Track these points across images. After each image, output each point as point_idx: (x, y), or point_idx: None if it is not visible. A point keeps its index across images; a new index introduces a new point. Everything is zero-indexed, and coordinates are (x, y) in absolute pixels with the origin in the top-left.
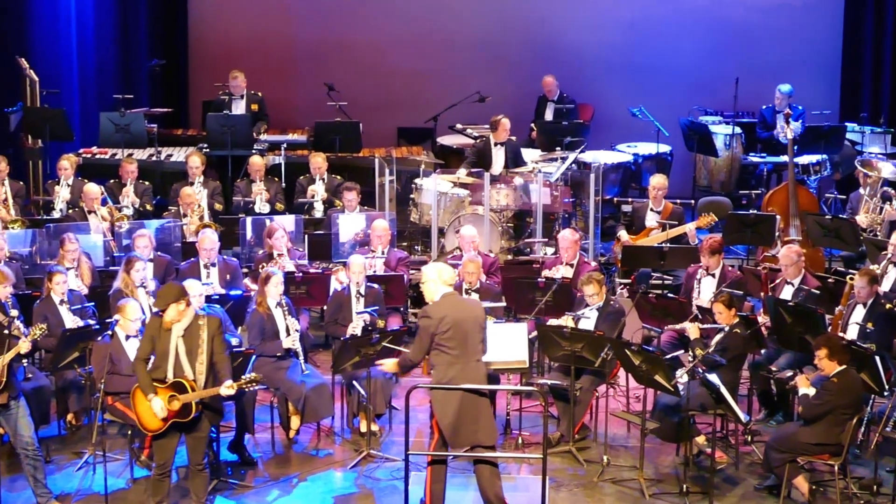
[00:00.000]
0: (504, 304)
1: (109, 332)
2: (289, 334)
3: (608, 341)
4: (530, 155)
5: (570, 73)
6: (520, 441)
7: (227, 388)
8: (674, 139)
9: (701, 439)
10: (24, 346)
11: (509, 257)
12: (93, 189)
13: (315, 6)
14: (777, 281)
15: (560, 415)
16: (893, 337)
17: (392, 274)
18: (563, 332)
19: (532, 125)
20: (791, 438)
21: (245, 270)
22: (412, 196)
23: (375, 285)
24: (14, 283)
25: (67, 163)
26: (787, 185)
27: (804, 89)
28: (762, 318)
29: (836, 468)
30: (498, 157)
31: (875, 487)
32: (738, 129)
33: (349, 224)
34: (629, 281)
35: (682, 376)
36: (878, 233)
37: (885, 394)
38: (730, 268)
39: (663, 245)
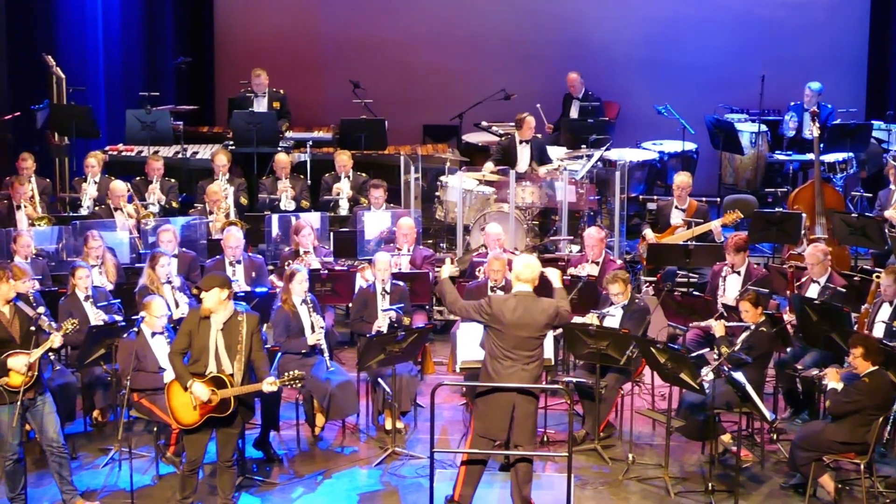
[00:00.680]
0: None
1: (135, 329)
2: (314, 331)
3: (633, 339)
4: (556, 153)
5: (595, 71)
6: (545, 439)
7: (270, 385)
8: (699, 137)
9: (726, 438)
10: (55, 339)
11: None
12: (119, 186)
13: (341, 3)
14: (803, 279)
15: (585, 413)
16: None
17: (417, 271)
18: (589, 329)
19: (551, 124)
20: (817, 437)
21: (270, 267)
22: (437, 193)
23: (401, 283)
24: (35, 278)
25: (95, 160)
26: (813, 182)
27: (830, 87)
28: (788, 317)
29: (862, 467)
30: (523, 154)
31: None
32: (763, 127)
33: (375, 221)
34: (654, 279)
35: (707, 374)
36: None
37: None
38: (755, 265)
39: (689, 243)
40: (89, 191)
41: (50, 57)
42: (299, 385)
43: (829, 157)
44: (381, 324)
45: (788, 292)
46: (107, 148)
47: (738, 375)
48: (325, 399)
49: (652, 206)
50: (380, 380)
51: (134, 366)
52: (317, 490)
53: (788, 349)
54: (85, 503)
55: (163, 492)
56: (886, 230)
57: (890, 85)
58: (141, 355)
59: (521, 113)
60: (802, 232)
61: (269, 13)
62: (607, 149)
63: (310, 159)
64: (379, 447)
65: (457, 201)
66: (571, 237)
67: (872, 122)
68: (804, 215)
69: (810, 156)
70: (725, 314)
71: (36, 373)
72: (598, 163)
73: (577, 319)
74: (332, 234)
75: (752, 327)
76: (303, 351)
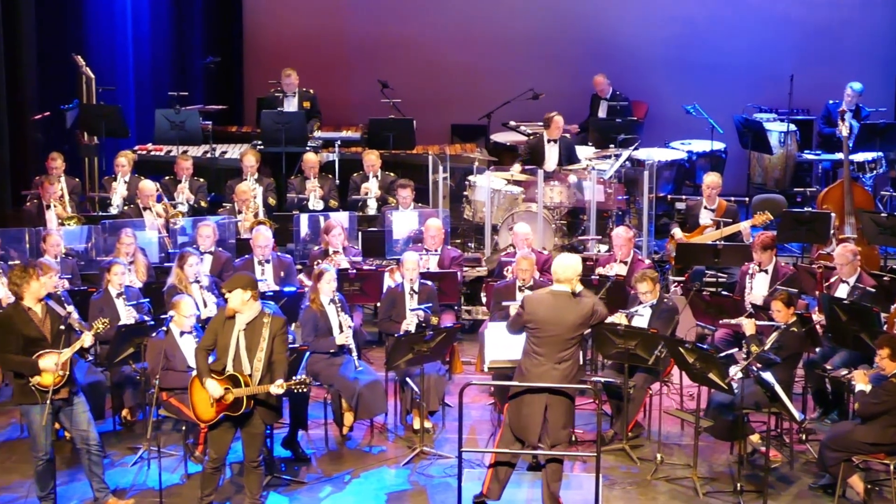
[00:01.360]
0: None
1: (164, 329)
2: (342, 331)
3: (662, 339)
4: (584, 152)
5: (624, 71)
6: (573, 439)
7: (277, 388)
8: (728, 136)
9: (755, 438)
10: (87, 338)
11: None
12: (148, 186)
13: (369, 3)
14: (832, 279)
15: (613, 413)
16: None
17: (446, 271)
18: (617, 329)
19: (577, 126)
20: (846, 437)
21: (299, 267)
22: (466, 193)
23: (429, 282)
24: (64, 277)
25: (125, 159)
26: (843, 182)
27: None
28: (817, 317)
29: (891, 467)
30: (551, 154)
31: None
32: (792, 127)
33: (403, 221)
34: (683, 278)
35: (736, 374)
36: None
37: None
38: (783, 264)
39: (717, 242)
40: (119, 190)
41: (79, 57)
42: (305, 389)
43: (859, 157)
44: (410, 323)
45: (817, 292)
46: (136, 147)
47: (767, 375)
48: (354, 398)
49: (681, 205)
50: (408, 379)
51: (163, 365)
52: (345, 489)
53: (818, 349)
54: (118, 502)
55: (192, 490)
56: None
57: None
58: (170, 354)
59: (550, 112)
60: (832, 232)
61: (297, 13)
62: (636, 148)
63: (338, 159)
64: (407, 447)
65: (485, 201)
66: (600, 237)
67: None
68: (833, 215)
69: (839, 155)
70: (754, 313)
71: (67, 372)
72: (627, 162)
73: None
74: (360, 233)
75: (782, 327)
76: (331, 350)
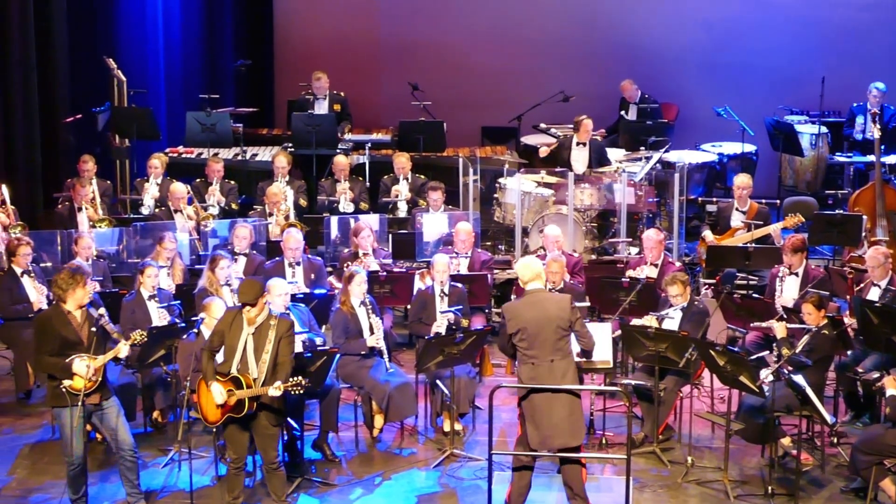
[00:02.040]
0: (588, 303)
1: (196, 331)
2: (372, 333)
3: (692, 342)
4: (615, 154)
5: (654, 73)
6: (604, 441)
7: (275, 389)
8: (759, 139)
9: (786, 441)
10: (123, 349)
11: (593, 257)
12: (179, 188)
13: (399, 6)
14: (864, 282)
15: (644, 415)
16: None
17: (476, 273)
18: (648, 332)
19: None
20: (878, 440)
21: (329, 269)
22: (496, 195)
23: (459, 284)
24: (95, 279)
25: (158, 161)
26: (874, 184)
27: (890, 88)
28: (848, 320)
29: None
30: (581, 156)
31: None
32: (823, 129)
33: (433, 223)
34: (714, 281)
35: (767, 377)
36: None
37: None
38: (813, 267)
39: (748, 245)
40: (151, 191)
41: (111, 59)
42: (300, 391)
43: (891, 159)
44: (440, 325)
45: (849, 295)
46: (167, 150)
47: (799, 378)
48: (384, 401)
49: (711, 208)
50: (438, 382)
51: (194, 367)
52: (375, 491)
53: (849, 352)
54: None
55: (222, 492)
56: None
57: None
58: (200, 356)
59: (579, 115)
60: (863, 234)
61: (328, 16)
62: (666, 150)
63: (368, 161)
64: (437, 449)
65: (515, 203)
66: (630, 239)
67: None
68: (865, 217)
69: (871, 157)
70: (785, 316)
71: (99, 378)
72: (657, 165)
73: (636, 322)
74: (390, 235)
75: (814, 330)
76: (362, 353)
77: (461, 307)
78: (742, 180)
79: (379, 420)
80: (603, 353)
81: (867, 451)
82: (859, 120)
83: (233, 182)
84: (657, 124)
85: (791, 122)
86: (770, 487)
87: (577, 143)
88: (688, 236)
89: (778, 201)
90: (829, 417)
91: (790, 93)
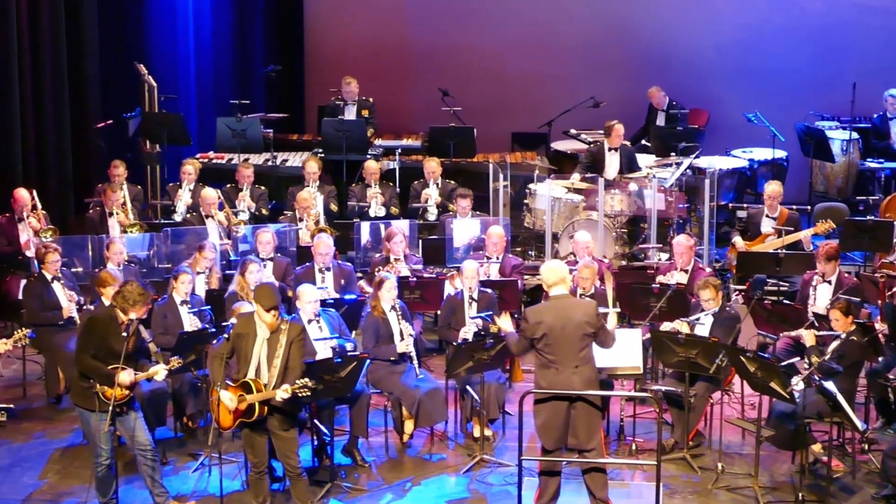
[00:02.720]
0: (618, 309)
1: (226, 336)
2: (403, 338)
3: (723, 348)
4: (645, 160)
5: (685, 78)
6: (634, 447)
7: (282, 392)
8: (790, 144)
9: (817, 447)
10: (161, 373)
11: (623, 263)
12: (210, 194)
13: (430, 12)
14: (895, 288)
15: (674, 421)
16: None
17: (506, 279)
18: (678, 338)
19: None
20: None
21: (359, 274)
22: (526, 201)
23: (489, 290)
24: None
25: (191, 167)
26: None
27: None
28: (879, 326)
29: None
30: (612, 162)
31: None
32: (855, 135)
33: (463, 229)
34: (744, 287)
35: (798, 384)
36: None
37: None
38: (846, 274)
39: (779, 251)
40: (184, 198)
41: (142, 65)
42: (307, 393)
43: None
44: (467, 331)
45: (880, 301)
46: (197, 155)
47: (829, 385)
48: (414, 406)
49: (742, 213)
50: (468, 387)
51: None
52: (405, 497)
53: (880, 358)
54: None
55: (251, 497)
56: None
57: None
58: (231, 361)
59: (610, 120)
60: (894, 240)
61: (358, 21)
62: (696, 156)
63: (399, 167)
64: (467, 454)
65: (545, 209)
66: (660, 245)
67: None
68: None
69: None
70: (816, 323)
71: (132, 393)
72: (688, 170)
73: (666, 327)
74: (420, 241)
75: (843, 336)
76: (392, 358)
77: (491, 313)
78: (773, 188)
79: (409, 425)
80: (633, 358)
81: None
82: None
83: (263, 187)
84: (688, 130)
85: (822, 127)
86: (801, 494)
87: (609, 149)
88: (718, 242)
89: (809, 207)
90: (859, 424)
91: (821, 98)
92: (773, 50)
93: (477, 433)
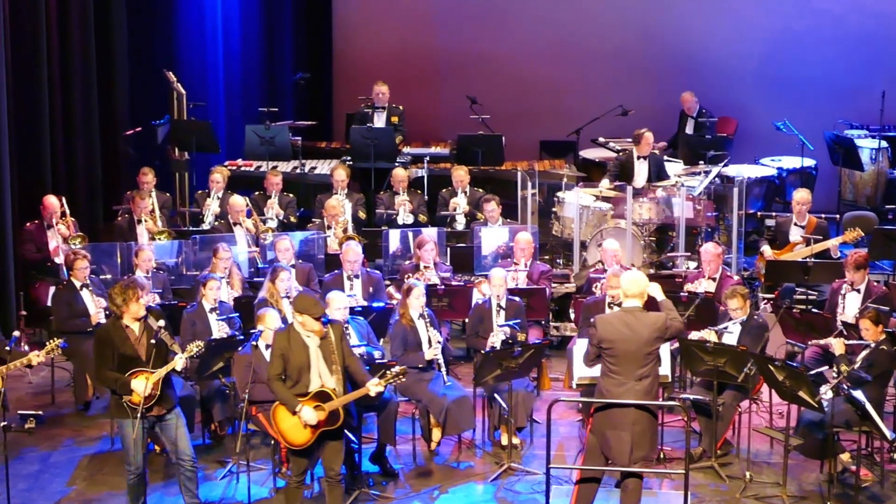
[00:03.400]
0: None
1: (254, 343)
2: (431, 346)
3: (751, 356)
4: (673, 169)
5: (713, 86)
6: (662, 456)
7: (376, 386)
8: (818, 153)
9: (845, 456)
10: (178, 362)
11: (651, 271)
12: (238, 201)
13: (458, 19)
14: None
15: (702, 430)
16: None
17: (534, 287)
18: (706, 346)
19: (672, 142)
20: None
21: (388, 282)
22: (554, 209)
23: (517, 298)
24: (155, 291)
25: (220, 176)
26: None
27: None
28: None
29: None
30: (641, 170)
31: None
32: (884, 143)
33: (492, 237)
34: (773, 296)
35: (826, 392)
36: None
37: None
38: (875, 283)
39: (807, 260)
40: (212, 207)
41: (171, 73)
42: (403, 379)
43: None
44: (495, 339)
45: None
46: (226, 163)
47: (858, 394)
48: (442, 414)
49: (770, 222)
50: (496, 395)
51: (252, 378)
52: None
53: None
54: None
55: None
56: None
57: None
58: (258, 367)
59: (639, 128)
60: None
61: (387, 29)
62: (725, 165)
63: (427, 174)
64: (495, 462)
65: (574, 217)
66: (688, 253)
67: None
68: None
69: None
70: (845, 332)
71: (158, 392)
72: (716, 179)
73: (694, 335)
74: (448, 249)
75: (872, 345)
76: (420, 365)
77: (518, 321)
78: (802, 196)
79: (436, 433)
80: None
81: None
82: None
83: (291, 195)
84: (716, 138)
85: (851, 136)
86: (829, 503)
87: (638, 157)
88: (746, 251)
89: (837, 216)
90: (888, 433)
91: (850, 107)
92: (803, 58)
93: (505, 441)
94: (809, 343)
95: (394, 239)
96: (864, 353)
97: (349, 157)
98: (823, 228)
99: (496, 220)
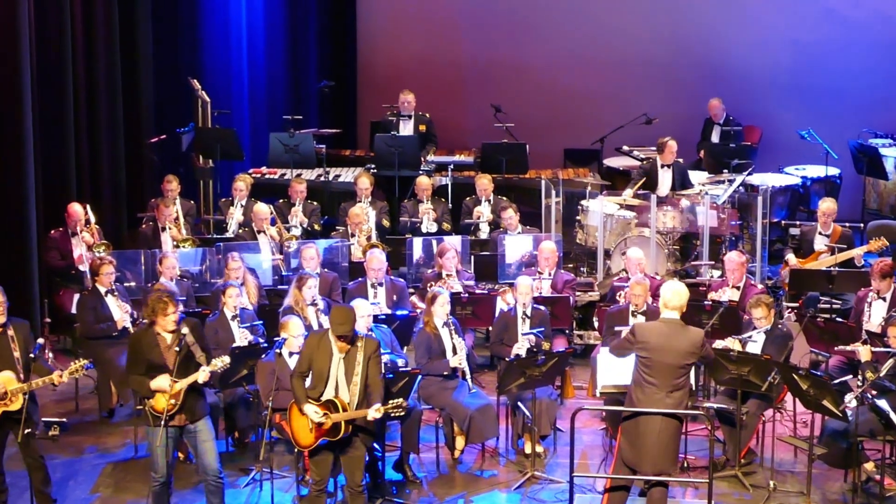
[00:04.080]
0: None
1: (277, 350)
2: (455, 353)
3: (775, 365)
4: (697, 177)
5: (737, 95)
6: (685, 465)
7: (375, 412)
8: (843, 162)
9: (870, 466)
10: (202, 375)
11: (674, 280)
12: (262, 209)
13: (483, 27)
14: None
15: (726, 439)
16: None
17: (558, 296)
18: (730, 355)
19: (699, 147)
20: None
21: (412, 290)
22: (578, 218)
23: (541, 307)
24: (179, 299)
25: (243, 184)
26: None
27: None
28: None
29: None
30: (665, 179)
31: None
32: None
33: (516, 245)
34: (797, 304)
35: (850, 401)
36: None
37: None
38: None
39: (832, 269)
40: (236, 215)
41: (195, 81)
42: (401, 413)
43: None
44: (520, 347)
45: None
46: (250, 170)
47: (882, 403)
48: (465, 422)
49: (795, 231)
50: (520, 403)
51: (276, 386)
52: None
53: None
54: None
55: None
56: None
57: None
58: (281, 375)
59: (663, 137)
60: None
61: (411, 37)
62: (749, 173)
63: (451, 183)
64: (518, 471)
65: (598, 225)
66: (712, 262)
67: None
68: None
69: None
70: (869, 341)
71: (179, 402)
72: (741, 187)
73: (718, 344)
74: (472, 257)
75: None
76: (444, 373)
77: (543, 329)
78: (826, 205)
79: (460, 441)
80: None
81: None
82: None
83: (315, 203)
84: (741, 147)
85: (875, 145)
86: None
87: (662, 166)
88: (771, 259)
89: (862, 225)
90: None
91: (874, 115)
92: (827, 67)
93: (528, 449)
94: (834, 350)
95: (417, 247)
96: (890, 362)
97: (373, 165)
98: (848, 237)
99: (514, 227)
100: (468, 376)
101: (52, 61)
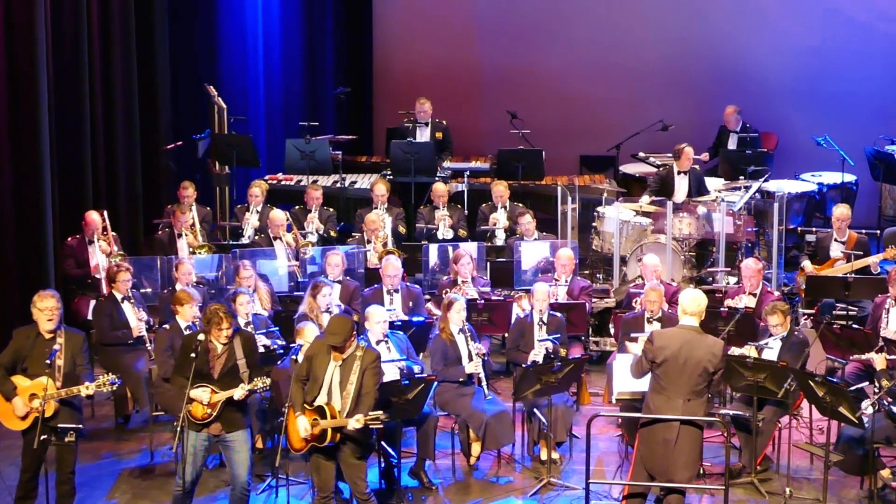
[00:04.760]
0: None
1: (293, 357)
2: (471, 360)
3: (791, 372)
4: (714, 184)
5: (753, 101)
6: (702, 471)
7: (355, 422)
8: (859, 168)
9: (886, 473)
10: (237, 392)
11: (692, 286)
12: (278, 216)
13: (499, 34)
14: None
15: (742, 445)
16: None
17: (574, 302)
18: (746, 361)
19: (710, 153)
20: None
21: (427, 297)
22: (594, 224)
23: (558, 313)
24: (201, 304)
25: (258, 190)
26: None
27: None
28: None
29: None
30: (681, 185)
31: None
32: None
33: (531, 251)
34: (813, 311)
35: (867, 408)
36: None
37: None
38: None
39: (848, 275)
40: (251, 221)
41: (212, 87)
42: (380, 426)
43: None
44: (537, 354)
45: None
46: (266, 177)
47: None
48: (481, 428)
49: (811, 237)
50: (535, 410)
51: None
52: None
53: None
54: None
55: None
56: None
57: None
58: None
59: (679, 143)
60: None
61: (427, 44)
62: (765, 180)
63: (467, 189)
64: (534, 477)
65: (613, 232)
66: (729, 269)
67: None
68: None
69: None
70: (886, 348)
71: (215, 413)
72: (757, 194)
73: (734, 351)
74: (488, 263)
75: None
76: (460, 379)
77: (559, 336)
78: (842, 212)
79: (476, 448)
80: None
81: None
82: None
83: (331, 209)
84: (757, 154)
85: (891, 151)
86: None
87: (678, 172)
88: (787, 266)
89: (878, 231)
90: None
91: (891, 122)
92: (843, 74)
93: (544, 456)
94: (850, 358)
95: (433, 254)
96: None
97: (389, 172)
98: (864, 244)
99: (531, 233)
100: (484, 383)
101: (68, 69)
